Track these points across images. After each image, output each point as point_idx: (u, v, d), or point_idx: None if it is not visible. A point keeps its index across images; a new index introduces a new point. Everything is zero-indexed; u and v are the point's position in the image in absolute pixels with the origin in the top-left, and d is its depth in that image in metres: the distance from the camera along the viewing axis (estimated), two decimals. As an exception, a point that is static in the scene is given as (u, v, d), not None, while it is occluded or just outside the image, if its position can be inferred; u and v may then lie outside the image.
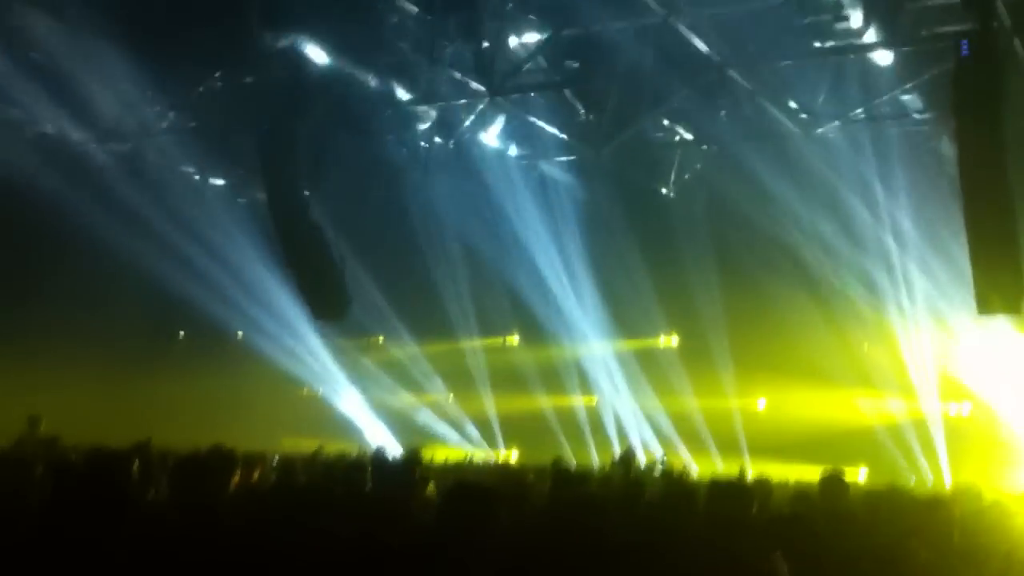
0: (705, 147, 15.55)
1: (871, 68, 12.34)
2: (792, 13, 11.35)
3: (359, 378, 21.08)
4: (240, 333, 20.30)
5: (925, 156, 14.17)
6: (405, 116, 14.78)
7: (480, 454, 17.32)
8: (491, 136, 15.47)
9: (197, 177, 17.08)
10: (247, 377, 20.04)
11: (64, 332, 17.61)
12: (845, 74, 12.74)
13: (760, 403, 19.24)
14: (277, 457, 12.69)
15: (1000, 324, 14.44)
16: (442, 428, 20.82)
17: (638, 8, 11.79)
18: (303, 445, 16.81)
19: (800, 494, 8.05)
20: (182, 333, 20.72)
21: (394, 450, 17.57)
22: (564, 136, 15.30)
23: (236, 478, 8.01)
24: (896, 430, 17.63)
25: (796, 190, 15.01)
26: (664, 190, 16.83)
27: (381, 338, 22.24)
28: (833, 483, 7.78)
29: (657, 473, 13.48)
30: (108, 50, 12.78)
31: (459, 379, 20.81)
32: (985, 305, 10.61)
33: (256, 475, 8.72)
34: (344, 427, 21.04)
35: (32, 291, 17.63)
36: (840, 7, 10.97)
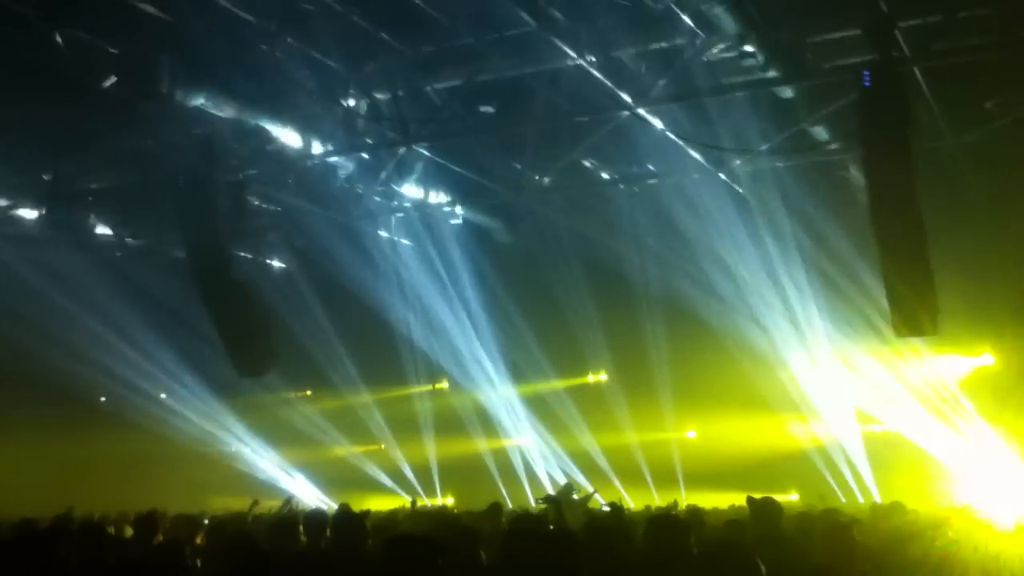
0: (623, 186, 15.77)
1: (778, 103, 12.67)
2: (697, 52, 11.65)
3: (284, 433, 20.89)
4: (103, 398, 19.85)
5: (835, 185, 14.59)
6: (323, 169, 14.77)
7: (417, 501, 17.23)
8: (410, 185, 15.50)
9: (115, 239, 16.78)
10: (173, 438, 19.73)
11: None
12: (754, 109, 13.07)
13: (690, 434, 19.49)
14: (207, 519, 12.56)
15: (914, 346, 14.91)
16: (377, 477, 20.69)
17: (549, 53, 11.98)
18: (233, 504, 16.59)
19: (733, 521, 8.19)
20: (103, 398, 20.30)
21: (324, 504, 17.48)
22: (484, 181, 15.43)
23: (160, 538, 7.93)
24: (822, 453, 18.04)
25: (712, 225, 15.35)
26: (586, 230, 17.05)
27: (309, 391, 22.09)
28: (764, 507, 7.91)
29: (587, 508, 13.63)
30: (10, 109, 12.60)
31: (392, 427, 20.74)
32: (900, 328, 10.87)
33: (198, 538, 8.62)
34: (271, 484, 20.79)
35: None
36: (743, 44, 11.27)
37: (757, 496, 8.12)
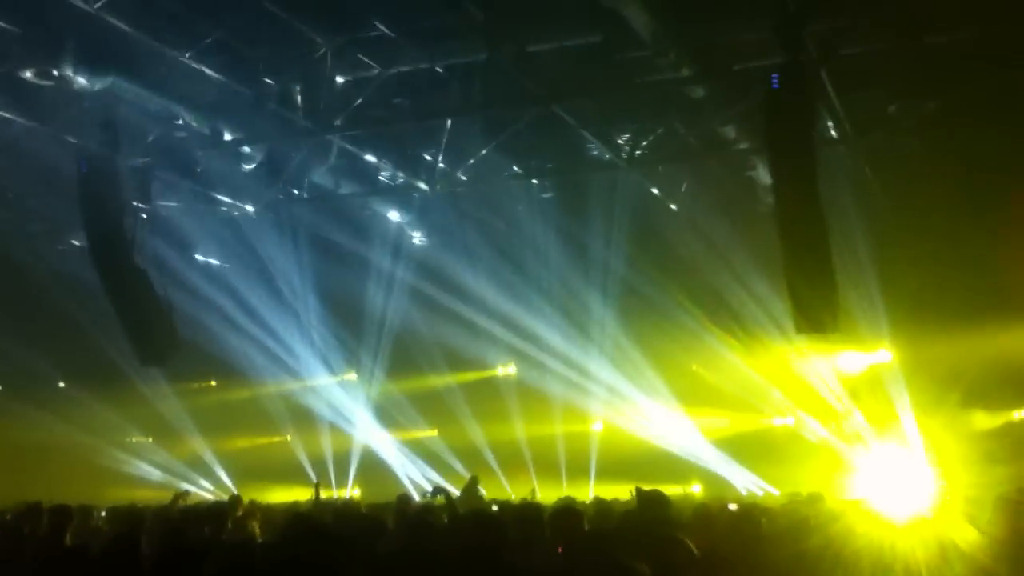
0: (536, 181, 15.83)
1: (688, 102, 12.84)
2: (610, 49, 11.73)
3: (189, 423, 20.51)
4: (62, 383, 19.49)
5: (741, 184, 14.87)
6: (233, 156, 14.53)
7: (324, 493, 17.05)
8: (321, 175, 15.33)
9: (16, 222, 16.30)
10: (69, 427, 19.24)
11: None
12: (666, 108, 13.23)
13: (596, 426, 19.65)
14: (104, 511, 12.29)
15: (818, 342, 15.26)
16: (280, 469, 20.40)
17: (464, 46, 11.95)
18: (137, 496, 16.23)
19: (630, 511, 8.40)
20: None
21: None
22: (399, 173, 15.34)
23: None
24: (726, 445, 18.40)
25: (619, 221, 15.51)
26: (503, 224, 17.06)
27: (213, 382, 21.72)
28: (651, 497, 8.07)
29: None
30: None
31: (299, 418, 20.52)
32: (802, 326, 11.09)
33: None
34: (181, 475, 20.42)
35: None
36: (658, 43, 11.38)
37: (646, 487, 8.27)
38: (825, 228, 10.71)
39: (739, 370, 17.47)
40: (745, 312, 16.18)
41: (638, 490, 8.33)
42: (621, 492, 14.74)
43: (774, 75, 10.65)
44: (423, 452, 19.95)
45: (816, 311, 10.83)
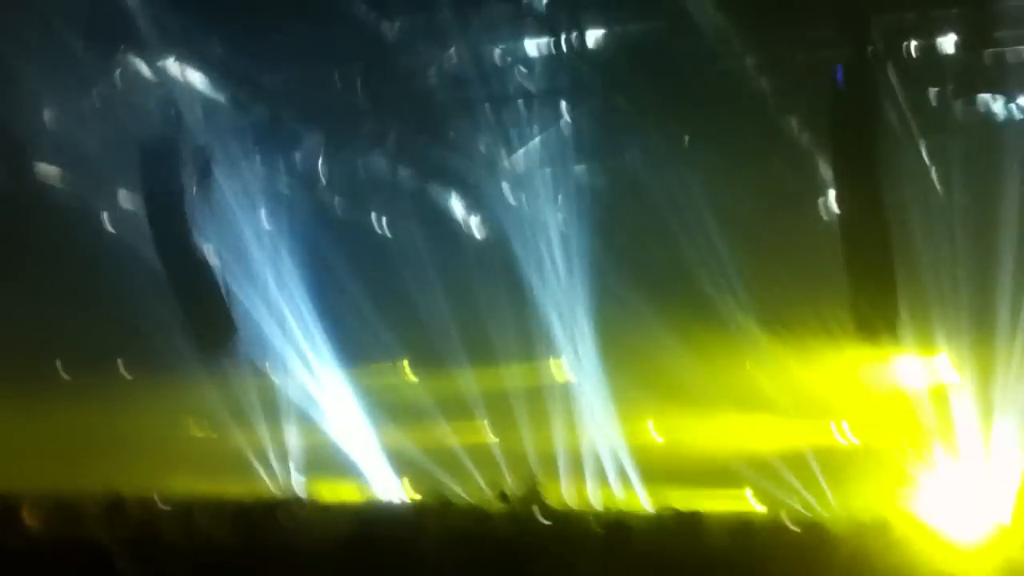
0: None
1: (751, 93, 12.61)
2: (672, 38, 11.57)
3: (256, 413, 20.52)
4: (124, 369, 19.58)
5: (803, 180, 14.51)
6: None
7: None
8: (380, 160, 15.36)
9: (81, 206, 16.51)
10: (133, 414, 19.39)
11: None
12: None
13: (649, 430, 19.24)
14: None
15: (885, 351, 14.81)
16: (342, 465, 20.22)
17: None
18: (199, 488, 16.28)
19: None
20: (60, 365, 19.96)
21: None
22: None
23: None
24: (784, 456, 17.82)
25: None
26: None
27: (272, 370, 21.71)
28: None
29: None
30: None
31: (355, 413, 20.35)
32: (864, 331, 10.78)
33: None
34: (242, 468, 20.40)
35: None
36: (720, 33, 11.22)
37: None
38: (889, 229, 10.46)
39: (798, 375, 16.98)
40: (805, 315, 15.75)
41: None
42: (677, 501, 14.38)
43: (838, 66, 10.46)
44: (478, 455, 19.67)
45: (879, 316, 10.56)
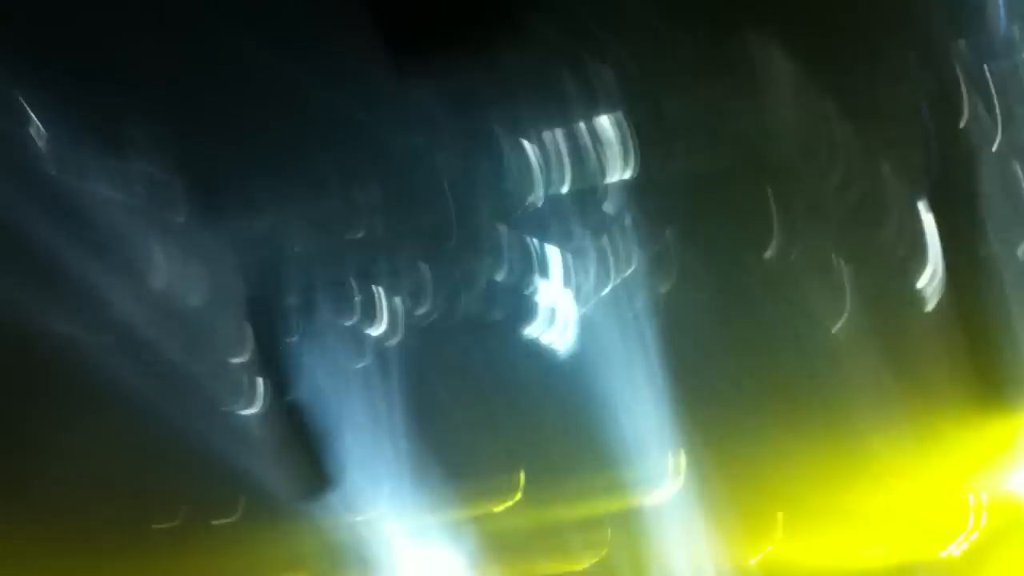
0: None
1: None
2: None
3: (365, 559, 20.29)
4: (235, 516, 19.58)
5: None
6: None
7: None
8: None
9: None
10: (232, 559, 19.34)
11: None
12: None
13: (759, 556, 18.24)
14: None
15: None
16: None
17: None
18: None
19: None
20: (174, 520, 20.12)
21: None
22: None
23: None
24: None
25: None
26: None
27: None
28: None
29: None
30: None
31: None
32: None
33: None
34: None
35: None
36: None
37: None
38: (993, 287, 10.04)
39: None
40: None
41: None
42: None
43: (924, 104, 10.18)
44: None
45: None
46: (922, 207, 12.23)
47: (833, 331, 14.82)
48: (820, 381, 15.41)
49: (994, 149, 11.84)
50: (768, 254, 13.84)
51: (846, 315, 14.94)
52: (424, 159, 12.37)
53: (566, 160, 12.54)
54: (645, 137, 11.76)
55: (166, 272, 14.33)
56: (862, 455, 16.16)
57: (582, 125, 11.60)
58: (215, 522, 19.73)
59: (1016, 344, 9.78)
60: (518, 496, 20.32)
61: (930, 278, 10.59)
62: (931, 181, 10.13)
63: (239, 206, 13.34)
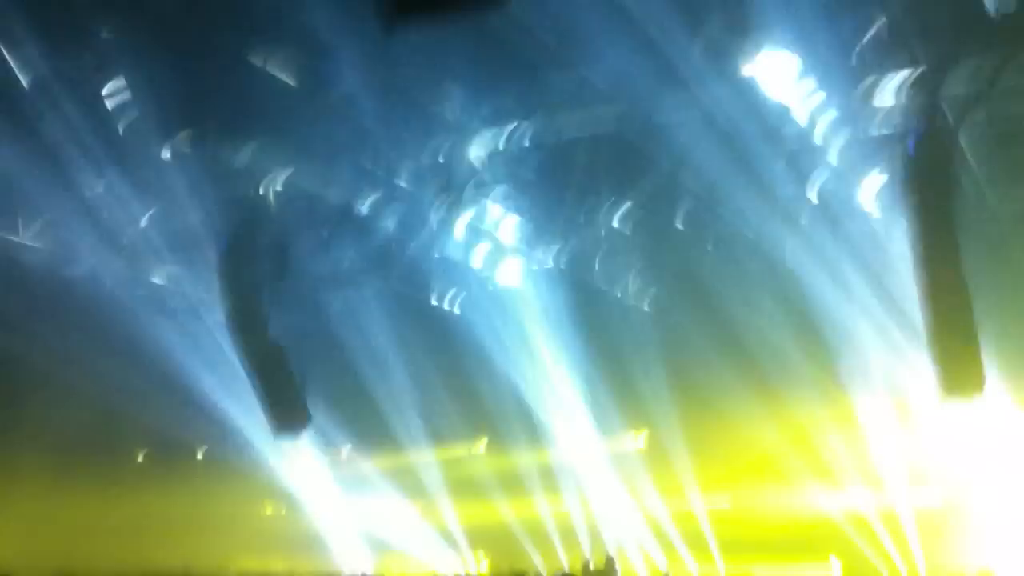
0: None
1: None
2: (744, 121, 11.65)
3: (325, 493, 20.59)
4: (200, 453, 19.84)
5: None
6: (363, 228, 14.85)
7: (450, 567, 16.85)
8: (449, 247, 15.55)
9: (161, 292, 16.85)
10: (208, 495, 19.56)
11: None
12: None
13: (725, 500, 18.90)
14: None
15: (967, 408, 14.43)
16: (411, 542, 20.30)
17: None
18: (270, 565, 16.36)
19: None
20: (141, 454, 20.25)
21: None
22: (520, 243, 15.44)
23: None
24: (865, 521, 17.33)
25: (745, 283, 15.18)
26: (618, 293, 16.96)
27: (344, 451, 21.82)
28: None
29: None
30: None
31: (425, 490, 20.39)
32: (947, 391, 10.77)
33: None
34: (312, 545, 20.46)
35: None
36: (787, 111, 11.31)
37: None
38: (968, 291, 10.44)
39: (879, 439, 16.61)
40: (883, 377, 15.47)
41: None
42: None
43: (911, 141, 10.46)
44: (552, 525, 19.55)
45: (960, 375, 10.56)
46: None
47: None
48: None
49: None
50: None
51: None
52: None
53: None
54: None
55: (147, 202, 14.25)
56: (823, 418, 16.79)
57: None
58: (183, 459, 19.96)
59: (975, 345, 10.21)
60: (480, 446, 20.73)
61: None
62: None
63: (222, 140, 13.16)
